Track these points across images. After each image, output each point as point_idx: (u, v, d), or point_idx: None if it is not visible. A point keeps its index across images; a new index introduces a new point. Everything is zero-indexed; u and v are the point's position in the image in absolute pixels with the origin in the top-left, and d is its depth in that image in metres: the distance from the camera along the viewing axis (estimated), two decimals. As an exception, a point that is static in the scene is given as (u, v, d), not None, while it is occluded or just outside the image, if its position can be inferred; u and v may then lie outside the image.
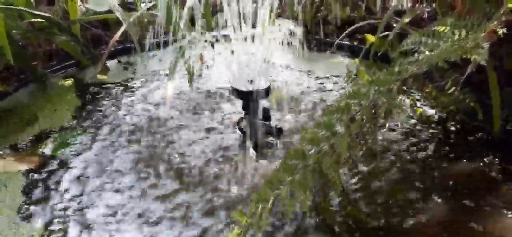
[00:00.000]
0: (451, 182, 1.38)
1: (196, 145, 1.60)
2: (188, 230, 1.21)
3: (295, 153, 1.10)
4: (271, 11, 1.53)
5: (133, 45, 2.16)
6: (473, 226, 1.21)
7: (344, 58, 2.35)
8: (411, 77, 1.21)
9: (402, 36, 1.89)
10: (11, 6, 1.94)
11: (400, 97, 1.19)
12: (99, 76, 2.18)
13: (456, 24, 1.27)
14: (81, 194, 1.37)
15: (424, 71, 1.19)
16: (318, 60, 2.33)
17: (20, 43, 2.08)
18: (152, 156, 1.55)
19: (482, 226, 1.21)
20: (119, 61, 2.38)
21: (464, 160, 1.48)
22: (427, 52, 1.22)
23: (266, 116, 1.59)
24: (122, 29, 2.13)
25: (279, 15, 1.58)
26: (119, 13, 2.02)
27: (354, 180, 1.39)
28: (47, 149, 1.61)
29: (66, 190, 1.39)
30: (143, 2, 2.58)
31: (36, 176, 1.46)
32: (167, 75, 2.16)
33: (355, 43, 2.44)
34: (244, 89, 1.52)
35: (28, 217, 1.28)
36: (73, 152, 1.58)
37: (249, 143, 1.57)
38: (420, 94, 1.80)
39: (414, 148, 1.56)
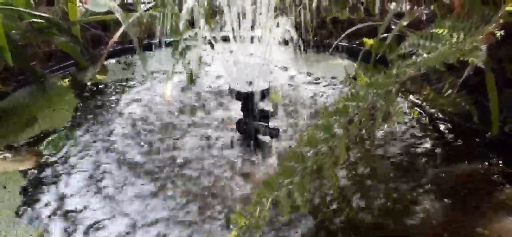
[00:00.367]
0: (449, 183, 1.39)
1: (195, 145, 1.60)
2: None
3: (294, 155, 1.11)
4: (270, 12, 1.54)
5: (132, 45, 2.17)
6: (473, 226, 1.22)
7: (343, 60, 2.35)
8: (409, 80, 1.21)
9: (400, 38, 1.90)
10: (11, 7, 1.94)
11: (398, 99, 1.19)
12: (98, 77, 2.18)
13: (454, 26, 1.28)
14: (81, 194, 1.37)
15: (422, 73, 1.20)
16: (317, 61, 2.34)
17: (19, 44, 2.08)
18: (152, 155, 1.55)
19: (481, 227, 1.21)
20: (118, 62, 2.38)
21: (462, 162, 1.49)
22: (425, 55, 1.23)
23: (265, 117, 1.60)
24: (121, 29, 2.13)
25: (278, 17, 1.58)
26: (118, 14, 2.03)
27: (352, 181, 1.39)
28: (46, 149, 1.61)
29: (65, 190, 1.39)
30: (143, 3, 2.58)
31: (35, 176, 1.46)
32: (166, 75, 2.17)
33: (354, 45, 2.44)
34: (243, 90, 1.52)
35: (27, 217, 1.28)
36: (72, 152, 1.58)
37: (247, 144, 1.57)
38: (418, 96, 1.81)
39: (412, 149, 1.56)
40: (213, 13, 2.32)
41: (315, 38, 2.55)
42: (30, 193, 1.38)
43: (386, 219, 1.25)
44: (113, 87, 2.10)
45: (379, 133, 1.63)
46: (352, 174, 1.42)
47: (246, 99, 1.53)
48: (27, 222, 1.26)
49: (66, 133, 1.71)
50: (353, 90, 1.14)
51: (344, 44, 2.42)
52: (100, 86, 2.10)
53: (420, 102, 1.82)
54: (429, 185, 1.39)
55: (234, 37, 1.55)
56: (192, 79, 2.09)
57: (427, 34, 1.28)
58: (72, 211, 1.30)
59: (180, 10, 1.80)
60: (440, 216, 1.26)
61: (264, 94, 1.54)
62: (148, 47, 2.48)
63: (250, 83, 1.55)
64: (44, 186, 1.41)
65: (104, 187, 1.40)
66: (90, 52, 2.26)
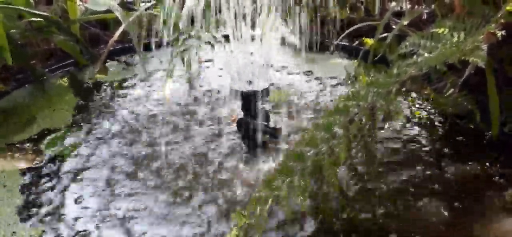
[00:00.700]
0: (449, 184, 1.39)
1: (194, 145, 1.60)
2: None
3: (294, 155, 1.10)
4: (270, 11, 1.53)
5: (132, 44, 2.16)
6: (473, 227, 1.22)
7: (343, 59, 2.35)
8: (409, 79, 1.21)
9: (401, 38, 1.89)
10: (10, 6, 1.93)
11: (398, 99, 1.19)
12: (98, 76, 2.18)
13: (455, 26, 1.28)
14: (80, 193, 1.37)
15: (423, 73, 1.20)
16: (317, 61, 2.33)
17: (18, 43, 2.07)
18: (151, 154, 1.55)
19: (482, 228, 1.21)
20: (118, 61, 2.37)
21: (463, 163, 1.49)
22: (425, 54, 1.22)
23: (265, 117, 1.60)
24: (121, 28, 2.12)
25: (277, 16, 1.58)
26: (118, 13, 2.02)
27: (352, 182, 1.39)
28: (46, 148, 1.61)
29: (65, 190, 1.39)
30: (143, 2, 2.57)
31: (35, 175, 1.46)
32: (166, 75, 2.16)
33: (354, 44, 2.44)
34: (243, 89, 1.52)
35: (26, 216, 1.28)
36: (72, 152, 1.58)
37: (248, 143, 1.57)
38: (418, 96, 1.81)
39: (412, 150, 1.56)
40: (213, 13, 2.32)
41: (315, 37, 2.54)
42: (30, 192, 1.38)
43: (386, 220, 1.25)
44: (113, 86, 2.09)
45: (379, 133, 1.63)
46: (351, 174, 1.41)
47: (246, 98, 1.53)
48: (26, 221, 1.26)
49: (66, 132, 1.71)
50: (354, 90, 1.14)
51: (344, 43, 2.42)
52: (100, 86, 2.10)
53: (420, 102, 1.82)
54: (429, 185, 1.39)
55: (234, 37, 1.54)
56: (191, 79, 2.08)
57: (428, 33, 1.28)
58: (73, 208, 1.30)
59: (181, 9, 1.80)
60: (440, 217, 1.26)
61: (264, 93, 1.53)
62: (148, 47, 2.48)
63: (250, 82, 1.55)
64: (43, 185, 1.41)
65: (105, 187, 1.40)
66: (89, 51, 2.26)
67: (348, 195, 1.32)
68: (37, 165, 1.51)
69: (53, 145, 1.62)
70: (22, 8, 1.97)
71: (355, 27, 2.24)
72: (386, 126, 1.66)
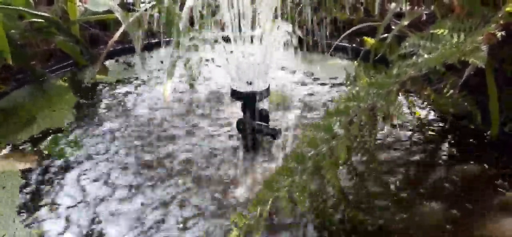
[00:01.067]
0: (449, 184, 1.39)
1: (194, 146, 1.60)
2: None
3: (294, 156, 1.10)
4: (270, 12, 1.53)
5: (132, 45, 2.16)
6: (473, 228, 1.22)
7: (343, 60, 2.35)
8: (409, 80, 1.21)
9: (401, 38, 1.89)
10: (10, 6, 1.94)
11: (398, 100, 1.19)
12: (98, 76, 2.18)
13: (455, 27, 1.28)
14: (80, 193, 1.37)
15: (423, 74, 1.20)
16: (317, 61, 2.34)
17: (18, 43, 2.08)
18: (151, 154, 1.55)
19: (482, 228, 1.21)
20: (118, 61, 2.38)
21: (463, 163, 1.49)
22: (425, 55, 1.23)
23: (265, 117, 1.60)
24: (121, 29, 2.13)
25: (277, 17, 1.58)
26: (118, 13, 2.02)
27: (352, 182, 1.39)
28: (46, 148, 1.61)
29: (65, 190, 1.39)
30: (143, 2, 2.57)
31: (35, 175, 1.46)
32: (166, 75, 2.16)
33: (354, 45, 2.44)
34: (243, 90, 1.52)
35: (26, 217, 1.28)
36: (72, 152, 1.58)
37: (247, 144, 1.57)
38: (418, 96, 1.81)
39: (412, 150, 1.56)
40: (213, 13, 2.32)
41: (315, 38, 2.54)
42: (30, 192, 1.38)
43: (386, 220, 1.25)
44: (113, 86, 2.09)
45: (379, 134, 1.63)
46: (352, 175, 1.42)
47: (246, 99, 1.53)
48: (26, 222, 1.26)
49: (66, 132, 1.71)
50: (354, 90, 1.14)
51: (344, 44, 2.42)
52: (99, 86, 2.10)
53: (420, 102, 1.82)
54: (429, 186, 1.39)
55: (234, 37, 1.54)
56: (192, 79, 2.08)
57: (428, 34, 1.28)
58: (73, 209, 1.30)
59: (181, 9, 1.80)
60: (441, 217, 1.26)
61: (264, 94, 1.54)
62: (148, 47, 2.48)
63: (250, 83, 1.55)
64: (43, 186, 1.41)
65: (105, 187, 1.40)
66: (89, 52, 2.26)
67: (348, 195, 1.32)
68: (37, 166, 1.51)
69: (53, 146, 1.62)
70: (22, 8, 1.98)
71: (354, 28, 2.24)
72: (386, 126, 1.66)
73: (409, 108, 1.73)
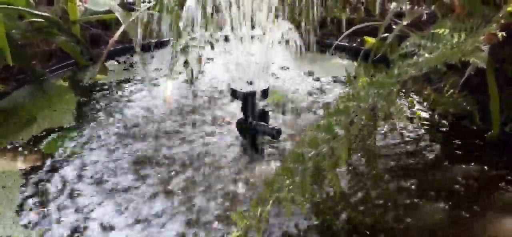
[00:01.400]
0: (450, 184, 1.39)
1: (194, 146, 1.60)
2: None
3: (295, 156, 1.10)
4: (270, 12, 1.53)
5: (133, 45, 2.16)
6: (474, 228, 1.21)
7: (343, 60, 2.35)
8: (410, 80, 1.21)
9: (401, 38, 1.89)
10: (11, 6, 1.94)
11: (399, 100, 1.19)
12: (99, 76, 2.18)
13: (455, 27, 1.27)
14: (80, 193, 1.37)
15: (423, 73, 1.19)
16: (317, 61, 2.34)
17: (19, 43, 2.08)
18: (152, 154, 1.55)
19: (483, 228, 1.21)
20: (118, 61, 2.38)
21: (463, 163, 1.49)
22: (426, 55, 1.22)
23: (265, 117, 1.60)
24: (121, 29, 2.13)
25: (278, 16, 1.58)
26: (118, 13, 2.02)
27: (353, 182, 1.39)
28: (46, 148, 1.61)
29: (65, 189, 1.38)
30: (143, 2, 2.57)
31: (35, 175, 1.46)
32: (166, 75, 2.17)
33: (354, 44, 2.44)
34: (243, 90, 1.52)
35: (26, 217, 1.27)
36: (72, 152, 1.58)
37: (247, 144, 1.57)
38: (419, 96, 1.81)
39: (413, 150, 1.56)
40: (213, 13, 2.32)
41: (316, 38, 2.54)
42: (30, 192, 1.38)
43: (387, 220, 1.25)
44: (113, 86, 2.09)
45: (380, 134, 1.63)
46: (352, 175, 1.41)
47: (246, 99, 1.53)
48: (26, 222, 1.26)
49: (66, 132, 1.71)
50: (354, 90, 1.14)
51: (344, 43, 2.42)
52: (100, 86, 2.10)
53: (421, 102, 1.82)
54: (430, 186, 1.38)
55: (234, 37, 1.54)
56: (192, 79, 2.08)
57: (428, 34, 1.28)
58: (73, 209, 1.30)
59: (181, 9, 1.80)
60: (441, 217, 1.26)
61: (264, 94, 1.53)
62: (148, 47, 2.48)
63: (250, 83, 1.54)
64: (43, 185, 1.41)
65: (105, 187, 1.40)
66: (90, 52, 2.26)
67: (348, 195, 1.32)
68: (37, 166, 1.51)
69: (53, 146, 1.62)
70: (22, 8, 1.98)
71: (355, 27, 2.24)
72: (386, 126, 1.66)
73: (409, 108, 1.73)
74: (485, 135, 1.59)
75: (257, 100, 1.54)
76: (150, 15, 2.43)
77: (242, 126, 1.60)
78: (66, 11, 2.29)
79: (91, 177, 1.45)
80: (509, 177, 1.40)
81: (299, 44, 1.52)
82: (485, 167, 1.45)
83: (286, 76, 2.17)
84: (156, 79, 2.17)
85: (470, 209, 1.28)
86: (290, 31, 1.50)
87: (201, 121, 1.77)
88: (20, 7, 1.97)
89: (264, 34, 1.52)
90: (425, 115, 1.77)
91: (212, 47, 1.67)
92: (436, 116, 1.75)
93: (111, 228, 1.23)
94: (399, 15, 2.31)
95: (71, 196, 1.36)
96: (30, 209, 1.31)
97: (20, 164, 1.52)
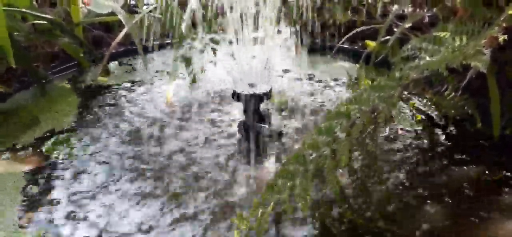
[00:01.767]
0: (451, 187, 1.39)
1: (195, 147, 1.61)
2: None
3: (296, 158, 1.11)
4: (272, 15, 1.54)
5: (135, 47, 2.17)
6: (474, 230, 1.21)
7: (345, 62, 2.35)
8: (411, 83, 1.21)
9: (402, 41, 1.89)
10: (14, 8, 1.95)
11: (400, 103, 1.19)
12: (101, 78, 2.19)
13: (457, 29, 1.28)
14: (82, 195, 1.37)
15: (424, 76, 1.20)
16: (319, 64, 2.34)
17: (22, 45, 2.09)
18: (152, 155, 1.56)
19: (483, 231, 1.21)
20: (121, 63, 2.38)
21: (464, 165, 1.49)
22: (427, 58, 1.23)
23: (267, 119, 1.60)
24: (124, 31, 2.13)
25: (280, 19, 1.58)
26: (121, 15, 2.03)
27: (354, 184, 1.39)
28: (48, 150, 1.61)
29: (67, 192, 1.39)
30: (145, 4, 2.58)
31: (37, 177, 1.46)
32: (168, 77, 2.17)
33: (356, 47, 2.44)
34: (245, 92, 1.53)
35: (28, 219, 1.28)
36: (75, 154, 1.59)
37: (249, 146, 1.57)
38: (420, 99, 1.81)
39: (414, 152, 1.56)
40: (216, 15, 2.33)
41: (317, 41, 2.55)
42: (32, 194, 1.38)
43: (387, 223, 1.25)
44: (115, 88, 2.10)
45: (380, 136, 1.63)
46: (353, 177, 1.42)
47: (248, 101, 1.54)
48: (28, 223, 1.26)
49: (69, 134, 1.71)
50: (355, 93, 1.14)
51: (346, 46, 2.42)
52: (102, 88, 2.11)
53: (422, 105, 1.82)
54: (431, 188, 1.39)
55: (237, 40, 1.55)
56: (194, 81, 2.09)
57: (430, 37, 1.28)
58: (75, 210, 1.30)
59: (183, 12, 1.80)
60: (442, 219, 1.26)
61: (266, 96, 1.54)
62: (152, 49, 2.49)
63: (252, 85, 1.55)
64: (45, 187, 1.41)
65: (106, 190, 1.40)
66: (93, 54, 2.27)
67: (349, 197, 1.32)
68: (39, 168, 1.51)
69: (56, 147, 1.63)
70: (25, 10, 1.98)
71: (357, 30, 2.24)
72: (387, 128, 1.66)
73: (410, 110, 1.73)
74: (487, 137, 1.59)
75: (259, 102, 1.55)
76: (153, 18, 2.44)
77: (244, 128, 1.60)
78: (69, 13, 2.30)
79: (93, 179, 1.45)
80: (509, 179, 1.40)
81: (300, 47, 1.53)
82: (486, 169, 1.45)
83: (287, 78, 2.17)
84: (158, 81, 2.18)
85: (471, 211, 1.28)
86: (291, 34, 1.50)
87: (203, 123, 1.77)
88: (23, 9, 1.98)
89: (266, 36, 1.53)
90: (425, 117, 1.77)
91: (215, 52, 1.67)
92: (437, 119, 1.75)
93: (115, 232, 1.23)
94: (401, 17, 2.31)
95: (73, 198, 1.37)
96: (32, 211, 1.31)
97: (22, 166, 1.52)
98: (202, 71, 2.18)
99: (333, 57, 2.40)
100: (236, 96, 1.54)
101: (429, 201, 1.33)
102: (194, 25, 1.78)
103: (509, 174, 1.43)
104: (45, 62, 2.24)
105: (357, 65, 2.08)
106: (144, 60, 2.25)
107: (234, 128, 1.69)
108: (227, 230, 1.22)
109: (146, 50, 2.43)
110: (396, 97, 1.13)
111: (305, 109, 1.87)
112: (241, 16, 1.52)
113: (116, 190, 1.40)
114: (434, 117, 1.76)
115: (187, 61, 1.89)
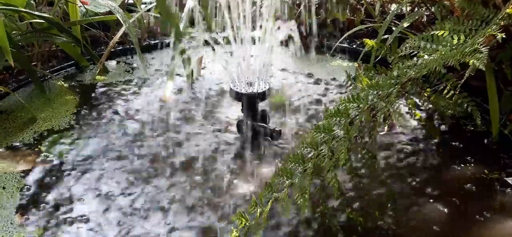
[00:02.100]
0: (449, 186, 1.39)
1: (194, 147, 1.61)
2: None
3: (294, 157, 1.11)
4: (271, 13, 1.54)
5: (133, 46, 2.17)
6: (473, 229, 1.22)
7: (343, 61, 2.35)
8: (410, 81, 1.22)
9: (401, 39, 1.89)
10: (11, 7, 1.94)
11: (398, 101, 1.19)
12: (99, 77, 2.18)
13: (455, 28, 1.28)
14: (80, 195, 1.37)
15: (423, 75, 1.20)
16: (317, 62, 2.34)
17: (19, 44, 2.08)
18: (151, 153, 1.56)
19: (482, 231, 1.21)
20: (119, 62, 2.38)
21: (462, 164, 1.49)
22: (426, 56, 1.23)
23: (265, 118, 1.60)
24: (122, 30, 2.13)
25: (278, 18, 1.58)
26: (119, 14, 2.02)
27: (352, 183, 1.39)
28: (45, 149, 1.61)
29: (66, 191, 1.39)
30: (143, 3, 2.58)
31: (35, 176, 1.46)
32: (166, 76, 2.17)
33: (354, 46, 2.44)
34: (243, 91, 1.53)
35: (26, 218, 1.28)
36: (73, 153, 1.58)
37: (247, 145, 1.57)
38: (418, 98, 1.81)
39: (412, 152, 1.56)
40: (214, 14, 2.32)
41: (315, 40, 2.54)
42: (30, 194, 1.38)
43: (385, 221, 1.25)
44: (113, 87, 2.10)
45: (378, 135, 1.63)
46: (351, 176, 1.42)
47: (246, 100, 1.53)
48: (26, 223, 1.26)
49: (67, 133, 1.71)
50: (354, 92, 1.15)
51: (344, 45, 2.42)
52: (100, 87, 2.10)
53: (420, 104, 1.82)
54: (428, 187, 1.39)
55: (235, 38, 1.55)
56: (192, 80, 2.09)
57: (428, 36, 1.28)
58: (73, 210, 1.30)
59: (181, 10, 1.80)
60: (440, 219, 1.26)
61: (265, 95, 1.54)
62: (149, 48, 2.49)
63: (250, 84, 1.55)
64: (43, 187, 1.41)
65: (107, 191, 1.40)
66: (90, 53, 2.26)
67: (347, 196, 1.32)
68: (37, 167, 1.51)
69: (54, 146, 1.62)
70: (23, 9, 1.98)
71: (355, 29, 2.24)
72: (385, 127, 1.66)
73: (409, 109, 1.73)
74: (485, 136, 1.59)
75: (258, 101, 1.55)
76: (151, 16, 2.43)
77: (242, 126, 1.60)
78: (66, 12, 2.29)
79: (92, 178, 1.45)
80: (508, 178, 1.40)
81: (299, 46, 1.53)
82: (484, 168, 1.45)
83: (285, 77, 2.17)
84: (156, 79, 2.17)
85: (469, 210, 1.29)
86: (290, 33, 1.50)
87: (201, 122, 1.77)
88: (20, 8, 1.97)
89: (264, 35, 1.53)
90: (423, 116, 1.77)
91: (213, 48, 1.67)
92: (435, 117, 1.75)
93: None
94: (399, 16, 2.31)
95: (71, 197, 1.37)
96: (30, 210, 1.31)
97: (20, 165, 1.52)
98: (201, 70, 2.18)
99: (332, 55, 2.40)
100: (234, 94, 1.54)
101: (426, 200, 1.33)
102: (192, 23, 1.78)
103: (508, 173, 1.43)
104: (42, 61, 2.24)
105: (356, 64, 2.08)
106: (142, 59, 2.24)
107: (232, 128, 1.69)
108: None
109: (145, 49, 2.43)
110: (394, 95, 1.14)
111: (303, 108, 1.87)
112: (239, 15, 1.52)
113: (116, 189, 1.39)
114: (433, 115, 1.76)
115: (186, 59, 1.89)
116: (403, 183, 1.41)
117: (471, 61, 1.05)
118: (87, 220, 1.27)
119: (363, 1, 2.52)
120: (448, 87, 1.29)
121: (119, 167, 1.50)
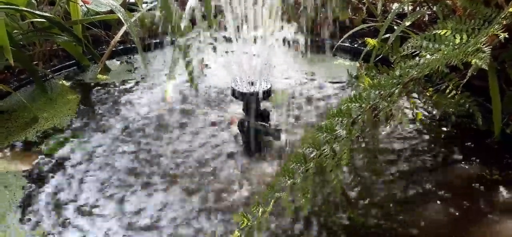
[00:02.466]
0: (450, 185, 1.39)
1: (194, 146, 1.61)
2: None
3: (296, 157, 1.11)
4: (272, 13, 1.53)
5: (134, 45, 2.16)
6: (474, 229, 1.21)
7: (345, 61, 2.35)
8: (412, 81, 1.21)
9: (403, 39, 1.89)
10: (12, 6, 1.94)
11: (400, 101, 1.19)
12: (100, 76, 2.18)
13: (457, 28, 1.28)
14: (81, 194, 1.37)
15: (425, 74, 1.20)
16: (319, 62, 2.34)
17: (21, 43, 2.08)
18: (150, 152, 1.56)
19: (483, 231, 1.21)
20: (120, 61, 2.38)
21: (464, 164, 1.49)
22: (428, 56, 1.22)
23: (266, 118, 1.60)
24: (123, 29, 2.13)
25: (280, 17, 1.58)
26: (120, 14, 2.02)
27: (352, 183, 1.39)
28: (47, 149, 1.61)
29: (67, 190, 1.39)
30: (145, 3, 2.57)
31: (36, 176, 1.46)
32: (168, 75, 2.17)
33: (356, 45, 2.44)
34: (244, 90, 1.52)
35: (28, 218, 1.28)
36: (74, 152, 1.58)
37: (249, 144, 1.57)
38: (420, 97, 1.80)
39: (414, 151, 1.56)
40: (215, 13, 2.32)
41: (317, 39, 2.54)
42: (32, 193, 1.38)
43: (387, 221, 1.25)
44: (114, 87, 2.10)
45: (380, 134, 1.63)
46: (352, 175, 1.42)
47: (247, 99, 1.53)
48: (28, 223, 1.26)
49: (68, 132, 1.71)
50: (356, 91, 1.14)
51: (346, 44, 2.42)
52: (101, 86, 2.10)
53: (422, 103, 1.82)
54: (430, 187, 1.39)
55: (236, 38, 1.54)
56: (193, 80, 2.08)
57: (430, 35, 1.28)
58: (75, 209, 1.30)
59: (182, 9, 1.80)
60: (441, 218, 1.26)
61: (266, 94, 1.53)
62: (151, 47, 2.49)
63: (252, 83, 1.55)
64: (45, 186, 1.41)
65: (107, 191, 1.40)
66: (92, 52, 2.26)
67: (349, 195, 1.32)
68: (38, 166, 1.51)
69: (55, 146, 1.62)
70: (24, 8, 1.98)
71: (357, 28, 2.24)
72: (387, 127, 1.66)
73: (411, 109, 1.73)
74: (487, 136, 1.59)
75: (259, 100, 1.54)
76: (152, 16, 2.43)
77: (243, 126, 1.60)
78: (68, 11, 2.29)
79: (95, 177, 1.45)
80: (510, 178, 1.40)
81: (300, 45, 1.53)
82: (486, 168, 1.45)
83: (287, 77, 2.17)
84: (157, 79, 2.17)
85: (470, 210, 1.28)
86: (291, 32, 1.50)
87: (203, 121, 1.77)
88: (21, 7, 1.97)
89: (266, 35, 1.52)
90: (425, 115, 1.77)
91: (214, 48, 1.66)
92: (437, 117, 1.75)
93: (115, 233, 1.23)
94: (401, 15, 2.30)
95: (74, 197, 1.37)
96: (32, 210, 1.31)
97: (22, 165, 1.52)
98: (202, 69, 2.18)
99: (333, 55, 2.39)
100: (235, 94, 1.54)
101: (427, 199, 1.33)
102: (193, 23, 1.78)
103: (509, 173, 1.43)
104: (44, 60, 2.24)
105: (357, 63, 2.08)
106: (144, 58, 2.24)
107: (233, 127, 1.69)
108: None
109: (146, 48, 2.43)
110: (396, 95, 1.13)
111: (305, 107, 1.87)
112: (240, 14, 1.51)
113: (120, 187, 1.39)
114: (435, 115, 1.76)
115: (187, 59, 1.89)
116: (404, 183, 1.40)
117: (473, 61, 1.05)
118: (91, 219, 1.27)
119: (365, 0, 2.51)
120: (450, 87, 1.28)
121: (122, 165, 1.50)
